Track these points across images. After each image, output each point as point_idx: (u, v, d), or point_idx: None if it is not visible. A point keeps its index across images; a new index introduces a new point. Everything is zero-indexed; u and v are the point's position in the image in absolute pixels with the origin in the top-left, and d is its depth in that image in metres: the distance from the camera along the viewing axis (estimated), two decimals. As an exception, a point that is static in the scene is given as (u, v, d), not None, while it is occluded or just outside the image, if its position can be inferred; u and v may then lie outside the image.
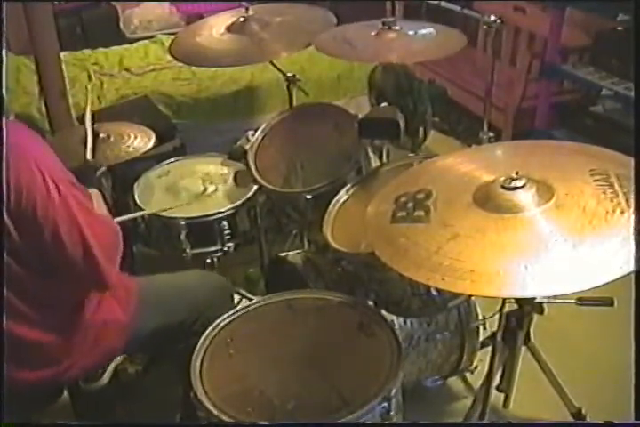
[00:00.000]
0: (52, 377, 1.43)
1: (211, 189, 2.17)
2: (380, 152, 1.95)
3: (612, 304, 1.56)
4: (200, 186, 2.17)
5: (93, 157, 1.81)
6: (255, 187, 2.04)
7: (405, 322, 1.74)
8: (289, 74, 2.19)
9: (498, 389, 1.73)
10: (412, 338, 1.76)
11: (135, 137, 2.03)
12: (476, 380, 1.90)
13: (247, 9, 2.13)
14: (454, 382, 2.02)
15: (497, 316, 1.51)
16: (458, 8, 3.58)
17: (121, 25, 4.01)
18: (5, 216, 1.20)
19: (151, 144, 2.02)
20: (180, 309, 1.60)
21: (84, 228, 1.27)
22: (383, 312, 1.54)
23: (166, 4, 4.12)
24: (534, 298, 1.42)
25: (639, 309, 1.32)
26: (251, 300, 1.72)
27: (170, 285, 1.66)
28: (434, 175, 1.35)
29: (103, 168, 1.92)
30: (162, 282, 1.67)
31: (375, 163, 1.93)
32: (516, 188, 1.14)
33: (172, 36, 2.57)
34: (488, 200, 1.16)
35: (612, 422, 1.31)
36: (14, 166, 1.18)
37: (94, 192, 1.64)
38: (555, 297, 1.45)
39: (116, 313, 1.48)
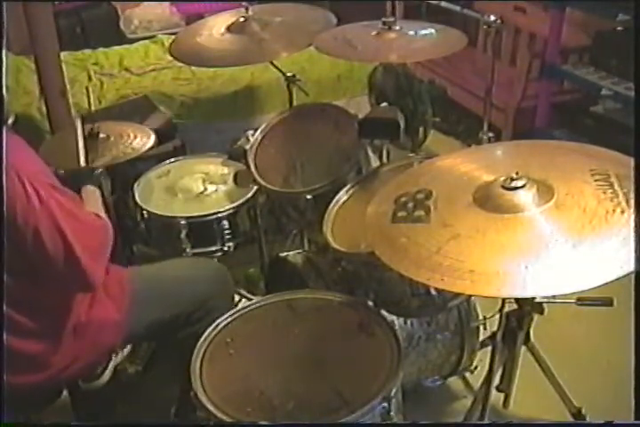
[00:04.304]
0: (48, 380, 1.43)
1: (211, 189, 2.17)
2: (380, 152, 1.94)
3: (611, 304, 1.56)
4: (200, 186, 2.18)
5: (86, 161, 1.80)
6: (255, 187, 2.04)
7: (405, 322, 1.74)
8: (289, 74, 2.19)
9: (498, 389, 1.73)
10: (412, 338, 1.76)
11: (135, 137, 2.03)
12: (476, 380, 1.90)
13: (247, 9, 2.13)
14: (454, 382, 2.02)
15: (497, 316, 1.52)
16: (458, 8, 3.58)
17: (121, 25, 4.01)
18: None
19: (151, 144, 2.02)
20: (179, 298, 1.60)
21: (66, 231, 1.28)
22: (383, 312, 1.55)
23: (166, 3, 4.13)
24: (534, 298, 1.42)
25: (639, 309, 1.32)
26: (251, 300, 1.72)
27: (167, 274, 1.66)
28: (434, 175, 1.35)
29: (100, 170, 1.92)
30: (159, 272, 1.67)
31: (375, 163, 1.93)
32: (517, 188, 1.14)
33: (172, 36, 2.57)
34: (488, 200, 1.16)
35: (612, 422, 1.31)
36: None
37: (91, 189, 1.64)
38: (555, 297, 1.45)
39: (109, 311, 1.48)
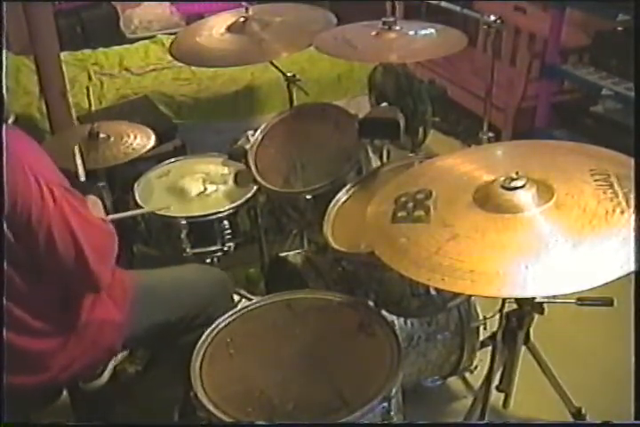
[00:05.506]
0: (49, 380, 1.43)
1: (211, 188, 2.17)
2: (380, 152, 1.94)
3: (611, 304, 1.56)
4: (200, 186, 2.18)
5: (86, 176, 1.80)
6: (255, 187, 2.04)
7: (405, 322, 1.74)
8: (289, 74, 2.19)
9: (498, 389, 1.73)
10: (412, 338, 1.76)
11: (135, 137, 2.04)
12: (476, 380, 1.90)
13: (247, 9, 2.13)
14: (454, 382, 2.02)
15: (497, 316, 1.52)
16: (458, 8, 3.58)
17: (121, 25, 4.02)
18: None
19: (151, 144, 2.02)
20: (180, 304, 1.60)
21: (77, 232, 1.28)
22: (383, 312, 1.55)
23: (166, 3, 4.13)
24: (534, 298, 1.42)
25: (639, 309, 1.32)
26: (251, 300, 1.72)
27: (169, 280, 1.66)
28: (434, 175, 1.35)
29: (102, 183, 1.93)
30: (161, 277, 1.67)
31: (375, 163, 1.93)
32: (516, 188, 1.14)
33: (172, 36, 2.57)
34: (488, 200, 1.16)
35: (612, 423, 1.31)
36: (10, 174, 1.19)
37: (93, 198, 1.65)
38: (555, 297, 1.45)
39: (111, 312, 1.48)
